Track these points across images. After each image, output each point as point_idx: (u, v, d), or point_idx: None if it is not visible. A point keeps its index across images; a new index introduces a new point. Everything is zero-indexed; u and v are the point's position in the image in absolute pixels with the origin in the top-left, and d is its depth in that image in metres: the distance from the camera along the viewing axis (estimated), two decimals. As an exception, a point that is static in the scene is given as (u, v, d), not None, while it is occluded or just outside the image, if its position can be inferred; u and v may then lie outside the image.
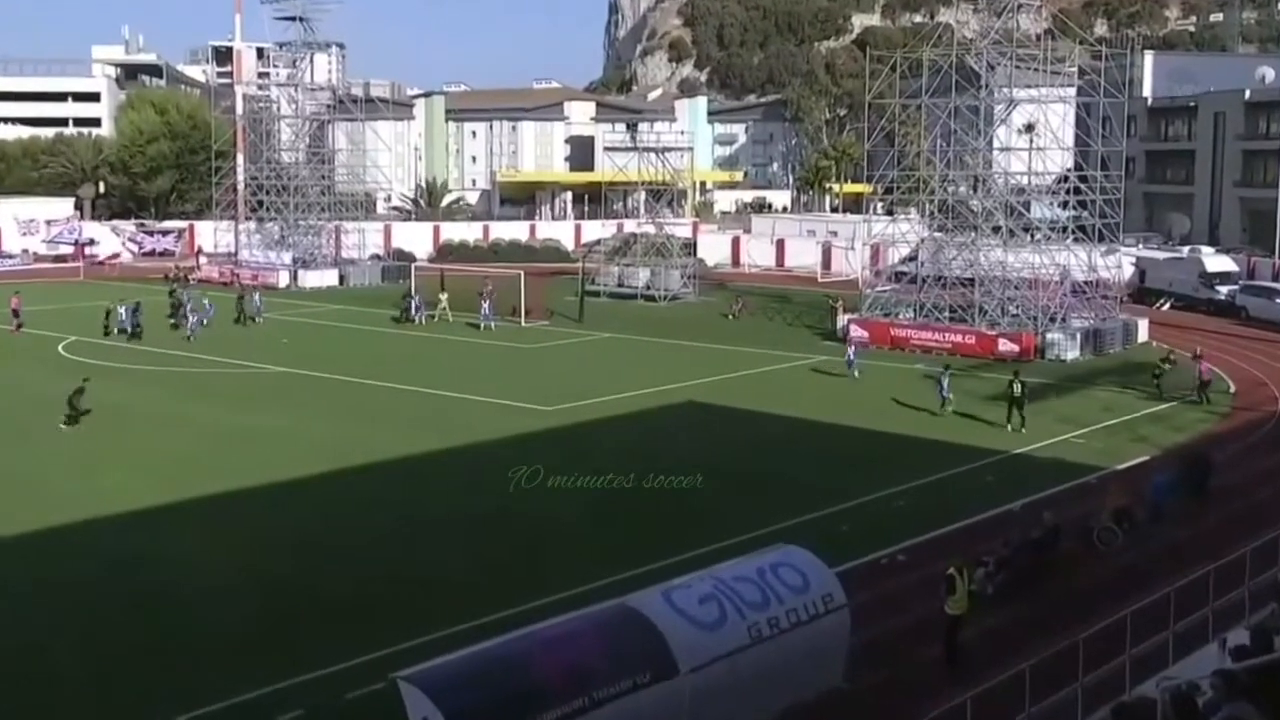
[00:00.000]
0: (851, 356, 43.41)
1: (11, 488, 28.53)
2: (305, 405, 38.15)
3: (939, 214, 54.27)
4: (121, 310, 53.11)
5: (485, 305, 56.37)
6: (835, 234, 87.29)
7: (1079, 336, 49.38)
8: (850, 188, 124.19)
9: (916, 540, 24.67)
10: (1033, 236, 53.46)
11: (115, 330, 51.86)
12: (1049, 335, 49.04)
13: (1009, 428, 34.56)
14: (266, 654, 18.90)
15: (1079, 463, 31.25)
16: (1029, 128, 54.01)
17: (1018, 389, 35.16)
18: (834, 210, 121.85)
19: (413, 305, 58.18)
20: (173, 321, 54.25)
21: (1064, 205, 53.65)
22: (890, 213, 60.44)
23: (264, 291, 63.71)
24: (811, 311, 61.82)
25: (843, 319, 54.09)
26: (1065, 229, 53.04)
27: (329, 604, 21.15)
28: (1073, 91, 58.93)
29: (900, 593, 21.54)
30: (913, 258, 56.84)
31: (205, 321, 53.47)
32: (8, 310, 54.10)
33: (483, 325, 55.58)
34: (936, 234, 54.79)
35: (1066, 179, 53.45)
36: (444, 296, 58.71)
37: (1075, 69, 55.81)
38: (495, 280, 66.52)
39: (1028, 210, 53.92)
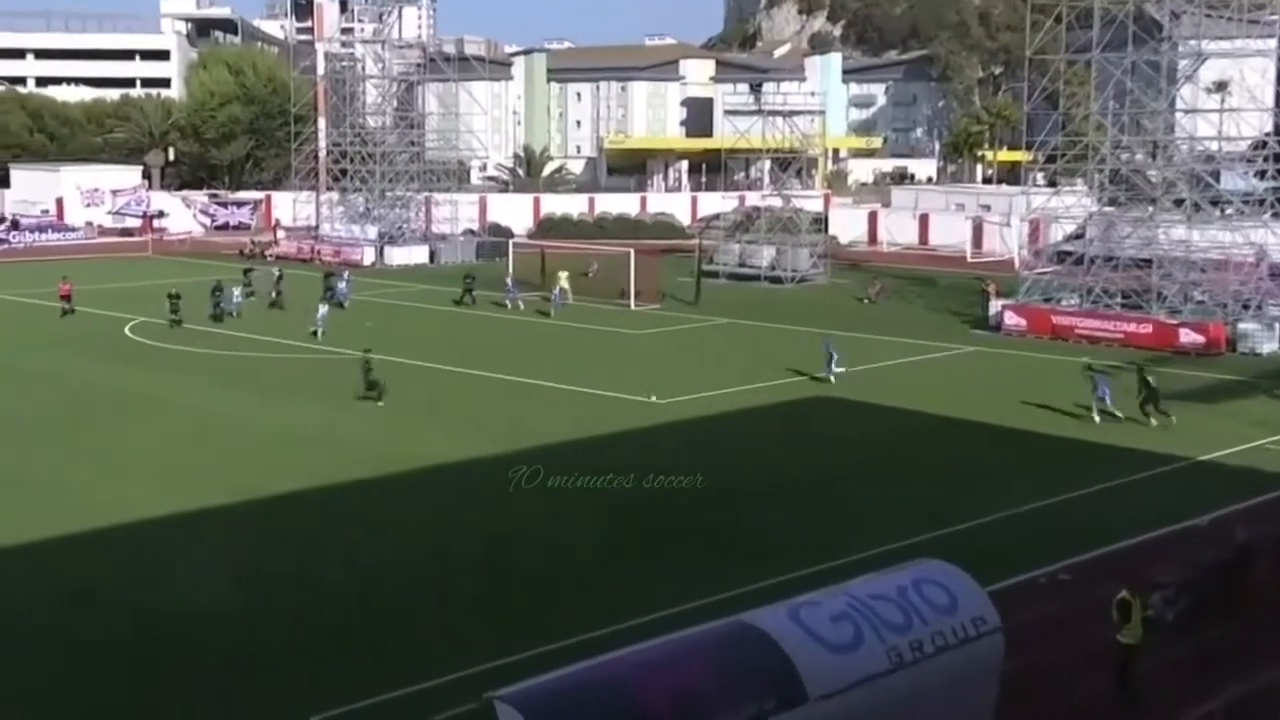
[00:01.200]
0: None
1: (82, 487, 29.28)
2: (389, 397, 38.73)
3: (1110, 185, 53.19)
4: (236, 292, 55.19)
5: (509, 281, 57.73)
6: (988, 208, 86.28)
7: (1278, 327, 47.90)
8: (1006, 155, 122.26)
9: (1082, 557, 24.13)
10: (1223, 211, 52.00)
11: (227, 309, 52.52)
12: (1241, 325, 47.66)
13: (1152, 423, 34.45)
14: (314, 673, 19.17)
15: (1277, 472, 30.28)
16: (1220, 86, 52.59)
17: (1151, 380, 35.17)
18: (986, 181, 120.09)
19: (499, 287, 58.53)
20: (265, 298, 55.61)
21: (1260, 175, 52.06)
22: (1052, 184, 59.29)
23: (351, 270, 64.81)
24: (959, 296, 61.04)
25: (995, 305, 53.30)
26: (1262, 202, 51.46)
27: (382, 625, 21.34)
28: (1274, 43, 57.15)
29: (1063, 617, 21.07)
30: (1079, 235, 55.87)
31: (237, 307, 53.81)
32: (63, 294, 55.40)
33: (509, 304, 56.35)
34: (1107, 208, 53.75)
35: (1264, 144, 51.85)
36: (564, 276, 58.82)
37: (1277, 17, 54.10)
38: (601, 259, 67.09)
39: (1217, 181, 52.46)
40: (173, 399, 37.92)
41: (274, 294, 57.18)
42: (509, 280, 58.73)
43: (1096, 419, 35.18)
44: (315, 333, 47.78)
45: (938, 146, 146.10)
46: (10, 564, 23.90)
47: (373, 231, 78.21)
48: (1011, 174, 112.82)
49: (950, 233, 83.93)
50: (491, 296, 58.53)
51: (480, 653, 19.22)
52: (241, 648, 19.88)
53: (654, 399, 37.58)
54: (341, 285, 57.75)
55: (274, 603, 21.79)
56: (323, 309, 49.31)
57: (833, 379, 40.03)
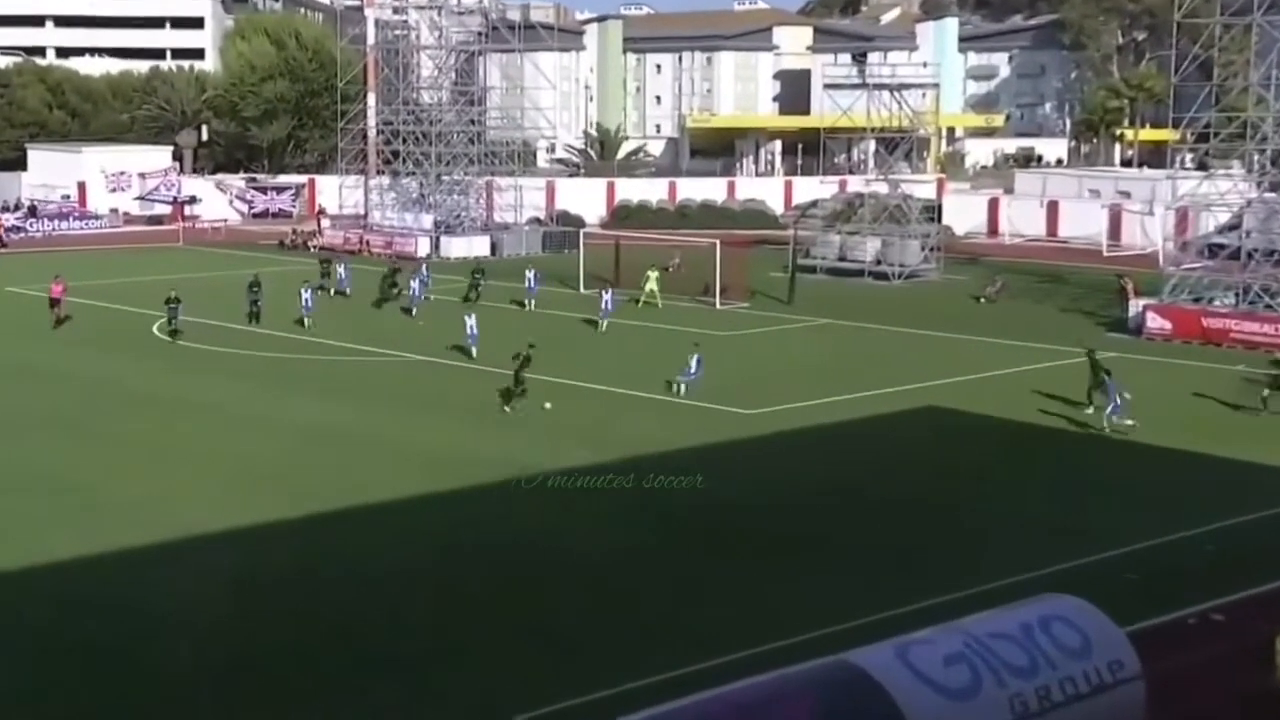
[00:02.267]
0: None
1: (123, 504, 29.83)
2: (439, 403, 39.28)
3: (1272, 168, 52.43)
4: (341, 268, 58.93)
5: (530, 275, 57.81)
6: (1127, 195, 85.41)
7: None
8: (1149, 134, 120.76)
9: (1236, 596, 23.79)
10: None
11: (306, 312, 53.14)
12: None
13: (1088, 410, 37.31)
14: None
15: None
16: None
17: (1101, 366, 38.31)
18: (1126, 164, 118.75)
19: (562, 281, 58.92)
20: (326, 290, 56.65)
21: None
22: (1203, 167, 58.51)
23: (406, 263, 65.46)
24: (1093, 295, 60.47)
25: (1136, 305, 52.75)
26: None
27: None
28: None
29: (1214, 662, 20.83)
30: (1234, 226, 55.11)
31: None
32: (53, 297, 55.87)
33: (527, 303, 56.47)
34: (1268, 195, 53.00)
35: None
36: (653, 275, 58.64)
37: None
38: (683, 251, 67.12)
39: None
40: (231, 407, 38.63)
41: (389, 290, 58.07)
42: (530, 273, 58.69)
43: (1105, 428, 35.85)
44: (469, 349, 45.93)
45: (1069, 124, 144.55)
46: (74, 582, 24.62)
47: (428, 220, 78.99)
48: (1155, 155, 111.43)
49: (1083, 223, 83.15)
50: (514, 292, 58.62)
51: (576, 684, 19.53)
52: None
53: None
54: (414, 284, 57.04)
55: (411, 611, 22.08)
56: (470, 321, 46.64)
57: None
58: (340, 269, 62.00)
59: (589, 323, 52.45)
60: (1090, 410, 37.51)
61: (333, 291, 59.87)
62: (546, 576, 24.98)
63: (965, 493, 30.61)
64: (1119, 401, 35.92)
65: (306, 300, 52.41)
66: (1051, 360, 46.35)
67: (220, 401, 39.23)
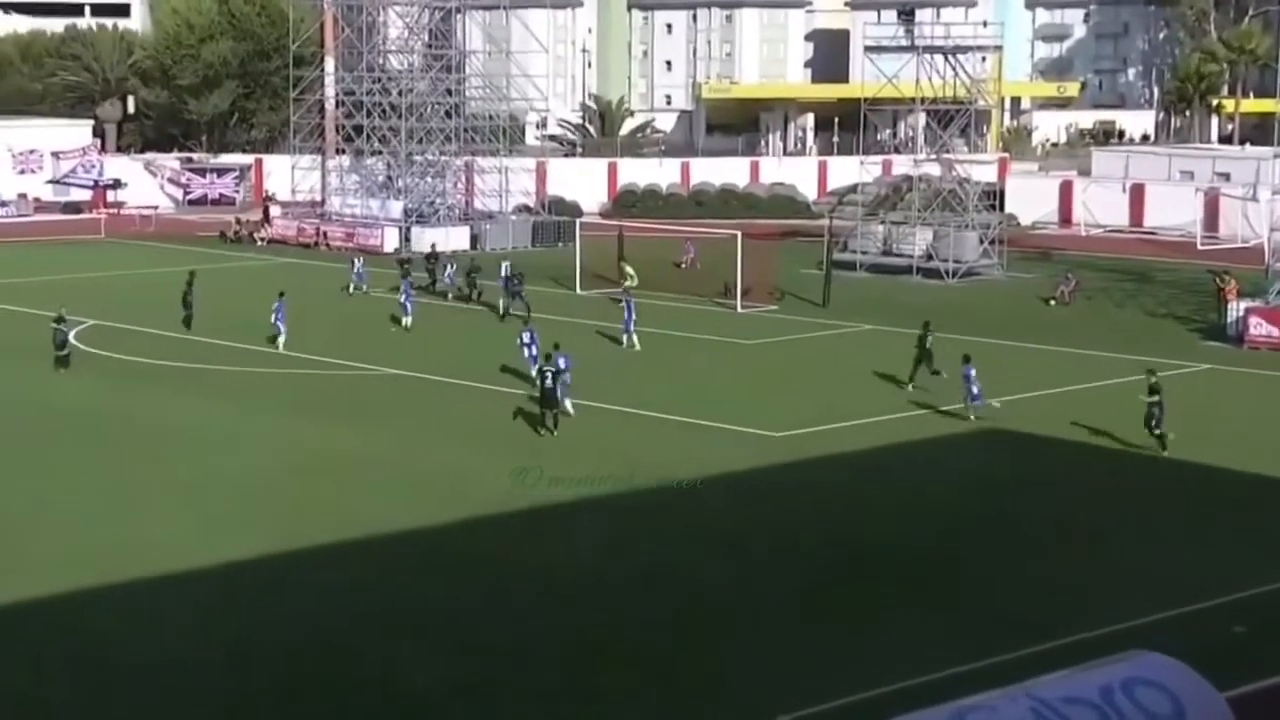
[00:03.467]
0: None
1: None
2: (420, 423, 39.46)
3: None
4: (358, 264, 60.09)
5: (504, 268, 57.60)
6: (1226, 177, 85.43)
7: None
8: (1252, 105, 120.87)
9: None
10: None
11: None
12: None
13: (909, 387, 42.77)
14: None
15: None
16: None
17: (929, 342, 43.41)
18: (1225, 140, 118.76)
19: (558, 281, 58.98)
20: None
21: None
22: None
23: (365, 259, 65.49)
24: (1185, 296, 60.42)
25: (1236, 308, 52.79)
26: None
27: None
28: None
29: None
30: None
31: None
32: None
33: (502, 307, 55.74)
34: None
35: None
36: (630, 270, 59.45)
37: None
38: (698, 244, 67.11)
39: None
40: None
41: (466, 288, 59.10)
42: (505, 267, 58.42)
43: (971, 417, 38.87)
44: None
45: (1156, 94, 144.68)
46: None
47: (396, 208, 79.10)
48: (1260, 130, 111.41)
49: (1174, 210, 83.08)
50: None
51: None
52: None
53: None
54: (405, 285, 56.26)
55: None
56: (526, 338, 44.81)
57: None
58: (357, 264, 62.19)
59: (608, 338, 51.96)
60: (910, 388, 42.67)
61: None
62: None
63: (1031, 531, 30.61)
64: (977, 389, 38.81)
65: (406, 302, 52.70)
66: (1136, 374, 46.28)
67: (175, 424, 39.29)
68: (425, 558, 28.94)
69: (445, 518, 31.08)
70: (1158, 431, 36.49)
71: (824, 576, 27.79)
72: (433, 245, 68.09)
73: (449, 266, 60.88)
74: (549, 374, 37.95)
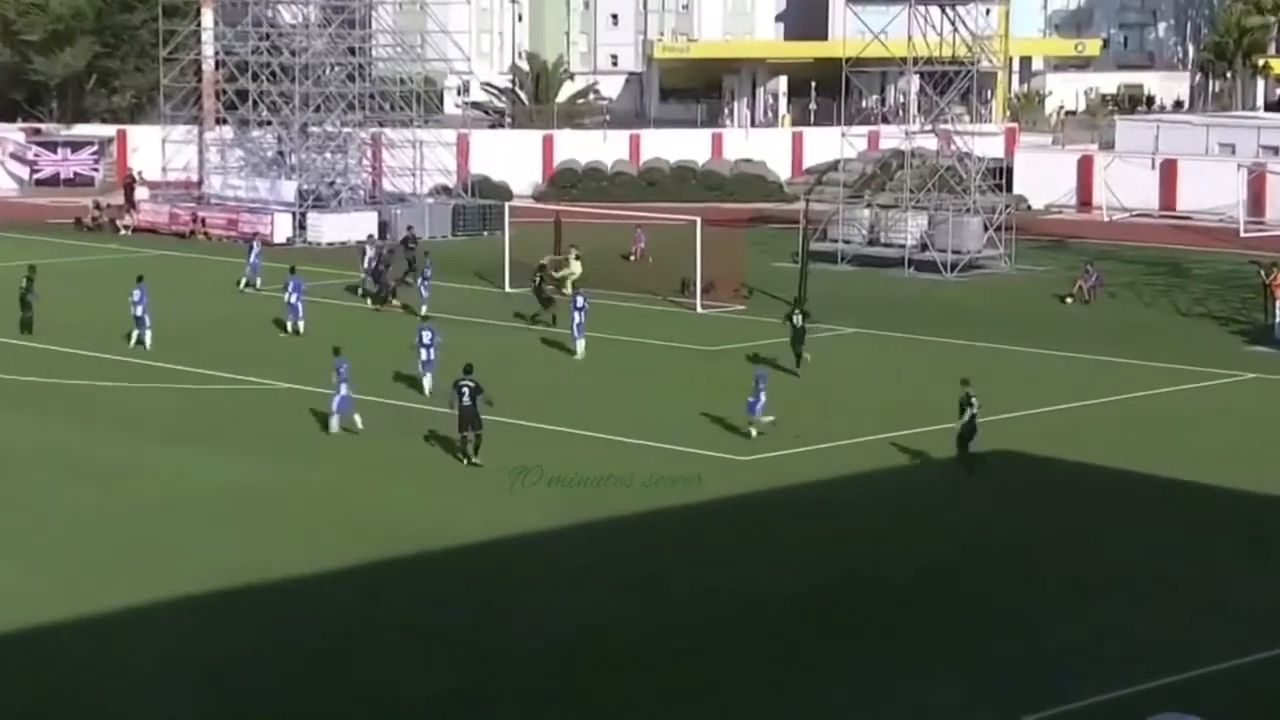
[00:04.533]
0: None
1: None
2: (317, 449, 39.49)
3: None
4: (254, 251, 61.39)
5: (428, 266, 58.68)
6: (1275, 151, 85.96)
7: None
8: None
9: None
10: None
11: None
12: None
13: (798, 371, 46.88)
14: None
15: None
16: None
17: (798, 319, 47.89)
18: (1272, 107, 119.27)
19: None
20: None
21: None
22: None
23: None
24: (1226, 292, 60.97)
25: (1286, 307, 53.22)
26: None
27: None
28: None
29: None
30: None
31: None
32: None
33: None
34: None
35: None
36: (575, 262, 59.58)
37: None
38: (650, 232, 67.08)
39: None
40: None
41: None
42: (370, 250, 60.30)
43: (753, 433, 39.67)
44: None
45: (1191, 53, 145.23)
46: None
47: (289, 189, 78.79)
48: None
49: (1212, 190, 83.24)
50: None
51: None
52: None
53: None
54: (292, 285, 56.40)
55: None
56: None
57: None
58: (254, 251, 62.43)
59: (551, 344, 52.27)
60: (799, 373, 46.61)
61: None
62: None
63: (1054, 571, 30.87)
64: (763, 399, 39.80)
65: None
66: (1170, 384, 46.64)
67: (15, 450, 39.17)
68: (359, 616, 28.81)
69: (357, 558, 31.18)
70: (966, 452, 37.15)
71: (801, 622, 28.04)
72: (409, 229, 69.71)
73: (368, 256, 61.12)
74: (466, 389, 37.81)
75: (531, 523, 33.41)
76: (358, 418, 40.03)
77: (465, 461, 37.57)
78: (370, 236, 67.77)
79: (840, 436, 40.22)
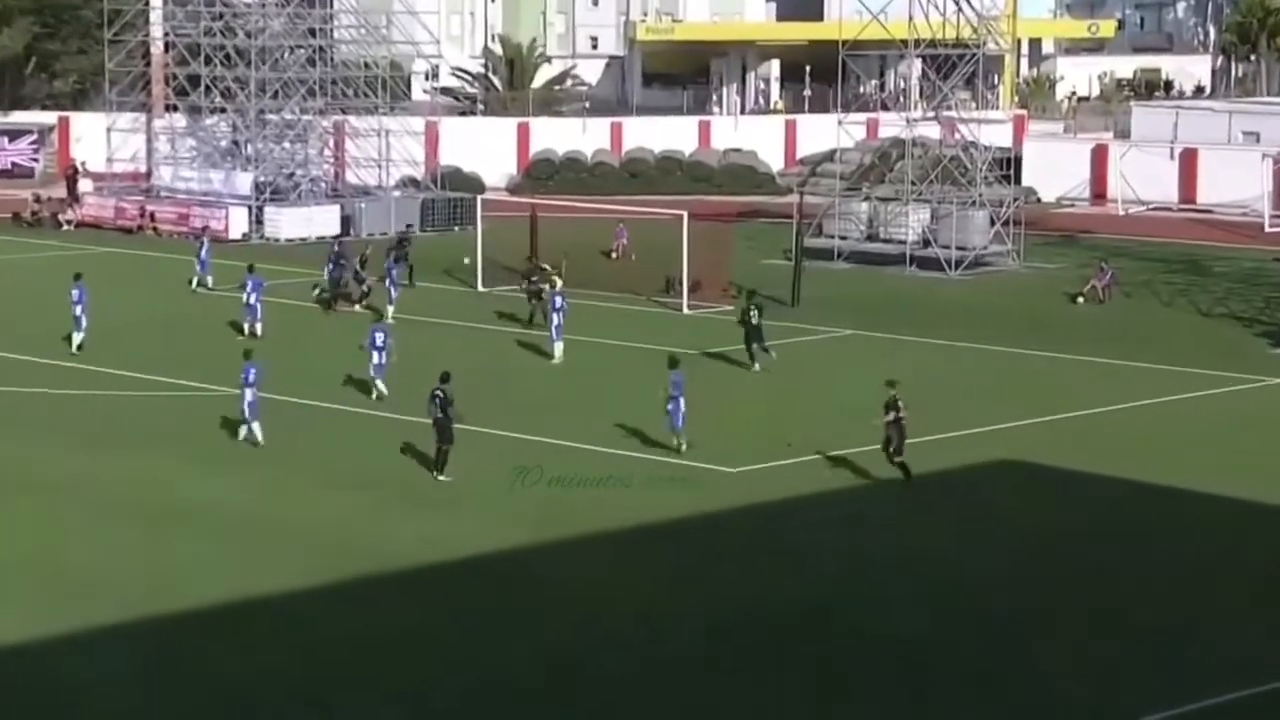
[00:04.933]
0: None
1: None
2: (290, 461, 39.40)
3: None
4: (203, 247, 61.11)
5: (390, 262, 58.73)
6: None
7: None
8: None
9: None
10: None
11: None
12: None
13: (755, 367, 48.61)
14: None
15: None
16: None
17: (754, 315, 48.98)
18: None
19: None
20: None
21: None
22: None
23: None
24: (1249, 291, 61.14)
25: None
26: None
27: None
28: None
29: None
30: None
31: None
32: None
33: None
34: None
35: None
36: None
37: None
38: (631, 227, 66.96)
39: None
40: None
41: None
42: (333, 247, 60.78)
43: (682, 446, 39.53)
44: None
45: (1213, 34, 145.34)
46: None
47: (244, 181, 78.69)
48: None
49: (1235, 182, 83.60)
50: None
51: None
52: None
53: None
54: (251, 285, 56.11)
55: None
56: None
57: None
58: (204, 247, 62.50)
59: (528, 348, 52.30)
60: (757, 368, 48.26)
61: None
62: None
63: (1065, 593, 30.77)
64: (682, 414, 39.41)
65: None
66: (1190, 390, 46.64)
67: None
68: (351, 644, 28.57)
69: (322, 580, 31.10)
70: (897, 460, 37.11)
71: (796, 655, 27.83)
72: (408, 226, 71.87)
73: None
74: (439, 397, 37.81)
75: (469, 546, 33.16)
76: (257, 427, 40.02)
77: (443, 478, 37.48)
78: (337, 237, 67.65)
79: (834, 446, 40.04)
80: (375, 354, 45.06)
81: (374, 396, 44.69)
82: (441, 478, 37.40)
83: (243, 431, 40.42)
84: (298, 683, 26.53)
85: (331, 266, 59.16)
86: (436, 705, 25.65)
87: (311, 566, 31.62)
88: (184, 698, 25.83)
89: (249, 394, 40.05)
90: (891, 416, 36.93)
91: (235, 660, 27.35)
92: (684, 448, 39.54)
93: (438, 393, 37.83)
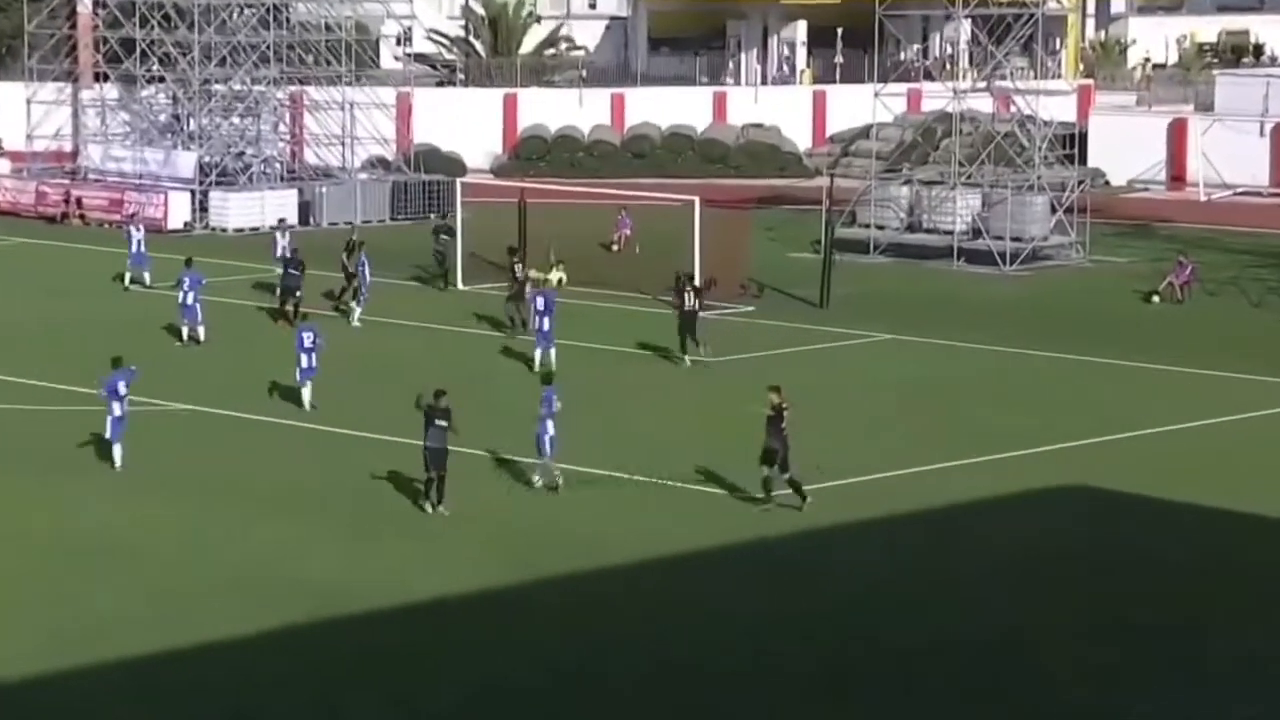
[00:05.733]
0: None
1: None
2: (249, 485, 39.45)
3: None
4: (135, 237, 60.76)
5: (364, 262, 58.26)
6: None
7: None
8: None
9: None
10: None
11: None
12: None
13: (687, 360, 50.51)
14: None
15: None
16: None
17: (690, 299, 50.76)
18: None
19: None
20: None
21: None
22: None
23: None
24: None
25: None
26: None
27: None
28: None
29: None
30: None
31: None
32: None
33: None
34: None
35: None
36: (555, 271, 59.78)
37: None
38: (635, 215, 66.97)
39: None
40: None
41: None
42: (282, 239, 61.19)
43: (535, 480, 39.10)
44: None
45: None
46: None
47: (186, 162, 78.87)
48: None
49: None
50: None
51: None
52: None
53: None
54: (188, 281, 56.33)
55: None
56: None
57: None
58: (136, 237, 62.43)
59: (516, 355, 52.13)
60: (688, 363, 50.31)
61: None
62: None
63: (1156, 637, 30.58)
64: (550, 436, 38.96)
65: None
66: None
67: None
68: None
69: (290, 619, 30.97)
70: (785, 475, 37.09)
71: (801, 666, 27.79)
72: (445, 216, 71.10)
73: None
74: (440, 423, 37.40)
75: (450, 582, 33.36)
76: (118, 450, 39.97)
77: (431, 508, 37.39)
78: (282, 221, 67.35)
79: (870, 470, 40.16)
80: (304, 356, 45.27)
81: (305, 405, 45.04)
82: (440, 509, 37.35)
83: (116, 454, 40.06)
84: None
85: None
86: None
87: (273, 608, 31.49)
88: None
89: (117, 408, 39.79)
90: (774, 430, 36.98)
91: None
92: (559, 481, 38.91)
93: (438, 418, 37.35)
